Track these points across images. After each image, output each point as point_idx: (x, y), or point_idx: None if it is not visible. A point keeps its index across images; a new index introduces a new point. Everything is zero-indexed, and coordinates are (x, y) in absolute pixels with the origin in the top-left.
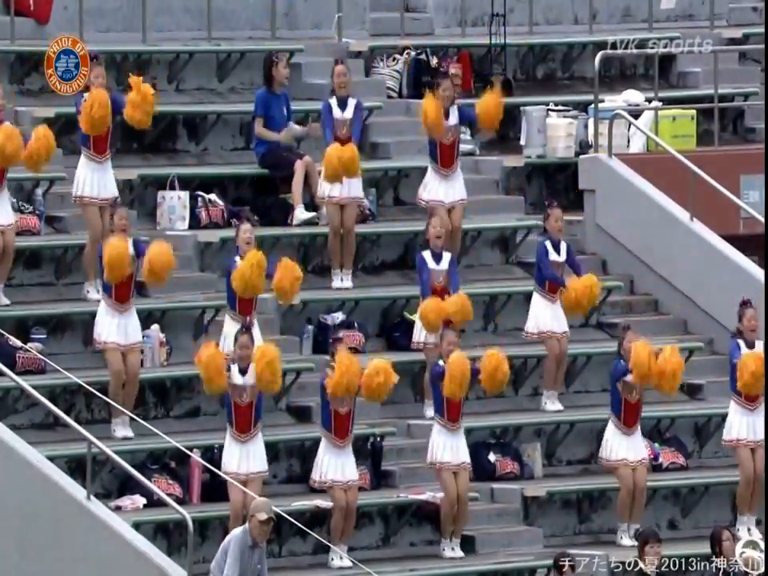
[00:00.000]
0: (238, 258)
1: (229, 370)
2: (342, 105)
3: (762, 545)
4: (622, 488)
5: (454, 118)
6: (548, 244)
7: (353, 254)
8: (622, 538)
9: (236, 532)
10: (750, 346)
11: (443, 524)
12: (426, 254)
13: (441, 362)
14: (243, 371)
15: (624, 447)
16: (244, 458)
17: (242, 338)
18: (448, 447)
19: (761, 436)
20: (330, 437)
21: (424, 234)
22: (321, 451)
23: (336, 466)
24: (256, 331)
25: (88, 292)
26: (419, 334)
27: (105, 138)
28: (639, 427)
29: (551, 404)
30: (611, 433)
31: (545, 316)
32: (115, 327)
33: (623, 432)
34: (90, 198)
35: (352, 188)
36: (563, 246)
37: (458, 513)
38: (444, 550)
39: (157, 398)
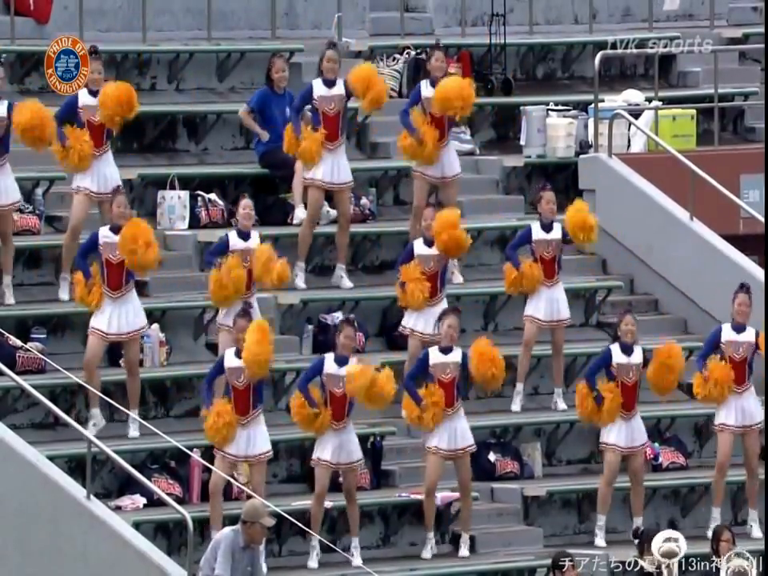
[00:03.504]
0: (233, 233)
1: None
2: (330, 84)
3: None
4: (604, 475)
5: None
6: (536, 225)
7: (347, 252)
8: (596, 535)
9: (226, 531)
10: (739, 329)
11: (425, 515)
12: (417, 242)
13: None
14: (241, 354)
15: (616, 432)
16: (243, 441)
17: (240, 322)
18: (444, 433)
19: (754, 420)
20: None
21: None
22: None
23: (335, 445)
24: (255, 310)
25: (61, 288)
26: (408, 320)
27: (100, 131)
28: (638, 412)
29: (515, 405)
30: None
31: (541, 301)
32: (107, 317)
33: (621, 416)
34: (90, 192)
35: (341, 172)
36: (556, 226)
37: (462, 505)
38: (425, 549)
39: (157, 397)
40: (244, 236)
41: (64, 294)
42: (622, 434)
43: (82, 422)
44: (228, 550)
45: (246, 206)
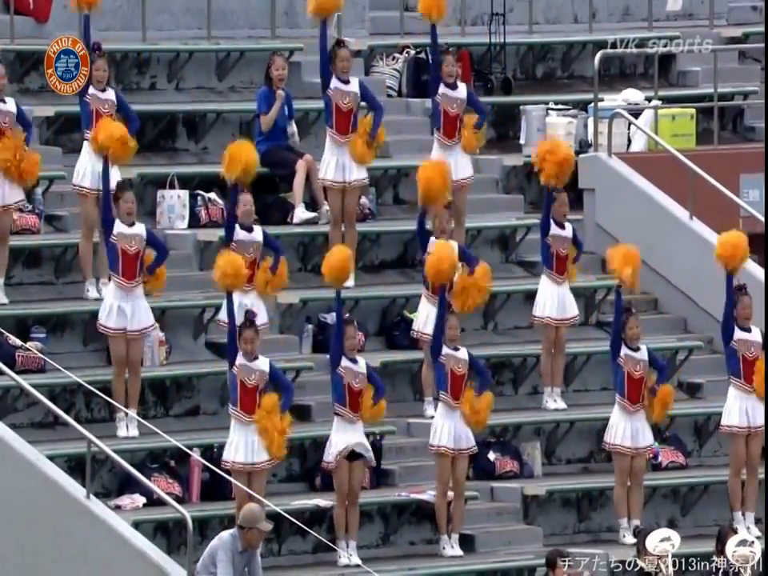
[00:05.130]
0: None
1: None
2: (345, 82)
3: (756, 543)
4: (617, 477)
5: (461, 92)
6: (551, 221)
7: (354, 251)
8: (624, 536)
9: (224, 536)
10: (746, 330)
11: (437, 516)
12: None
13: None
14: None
15: (628, 432)
16: (250, 449)
17: (246, 333)
18: (452, 432)
19: (759, 422)
20: (343, 410)
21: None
22: (333, 433)
23: (351, 437)
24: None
25: (88, 291)
26: (418, 323)
27: None
28: (642, 411)
29: (552, 402)
30: (617, 417)
31: (552, 298)
32: (121, 312)
33: (629, 412)
34: (89, 190)
35: (352, 171)
36: (568, 225)
37: (454, 504)
38: (444, 548)
39: (156, 397)
40: (247, 229)
41: (93, 293)
42: (627, 435)
43: (81, 421)
44: (229, 554)
45: (246, 202)
